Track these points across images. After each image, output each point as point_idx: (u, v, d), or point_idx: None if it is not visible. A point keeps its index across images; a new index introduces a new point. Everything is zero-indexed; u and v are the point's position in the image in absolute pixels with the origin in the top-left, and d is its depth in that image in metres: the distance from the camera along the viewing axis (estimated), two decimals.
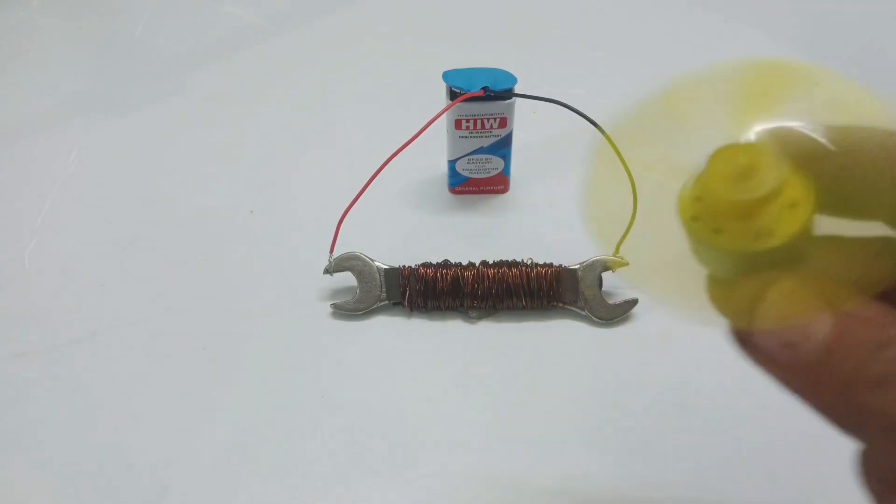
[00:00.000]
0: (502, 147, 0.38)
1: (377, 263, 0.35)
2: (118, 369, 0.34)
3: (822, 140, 0.17)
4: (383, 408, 0.32)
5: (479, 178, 0.40)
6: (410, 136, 0.33)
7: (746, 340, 0.18)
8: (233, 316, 0.36)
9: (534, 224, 0.40)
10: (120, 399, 0.32)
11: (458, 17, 0.57)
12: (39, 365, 0.34)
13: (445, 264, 0.35)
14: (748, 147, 0.17)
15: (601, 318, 0.34)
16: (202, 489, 0.29)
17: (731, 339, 0.18)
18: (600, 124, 0.34)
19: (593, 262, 0.34)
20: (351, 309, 0.35)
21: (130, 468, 0.30)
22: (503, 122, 0.37)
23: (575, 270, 0.34)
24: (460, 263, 0.35)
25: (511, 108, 0.36)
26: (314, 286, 0.36)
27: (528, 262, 0.35)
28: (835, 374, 0.16)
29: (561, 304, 0.35)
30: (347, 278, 0.35)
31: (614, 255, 0.34)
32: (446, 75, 0.35)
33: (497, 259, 0.35)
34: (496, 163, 0.39)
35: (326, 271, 0.35)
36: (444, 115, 0.35)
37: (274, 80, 0.52)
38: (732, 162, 0.17)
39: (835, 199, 0.17)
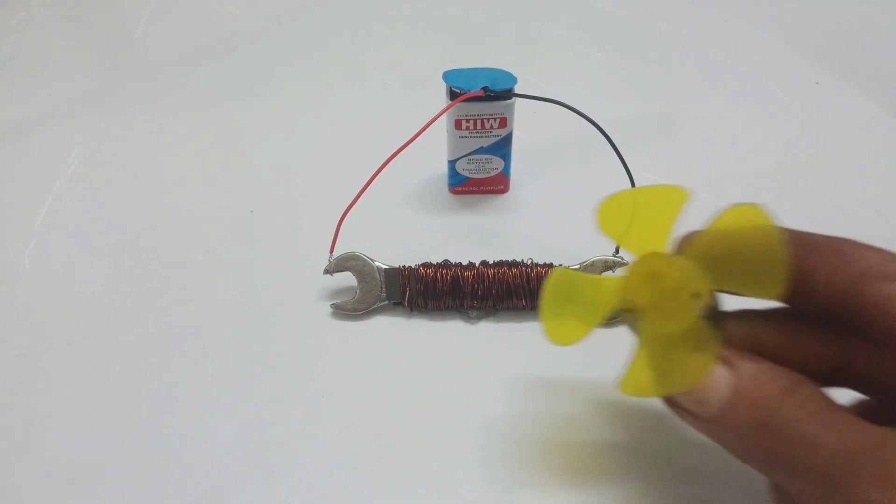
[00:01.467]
0: (502, 147, 0.38)
1: (377, 263, 0.35)
2: (118, 369, 0.34)
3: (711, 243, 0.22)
4: (383, 408, 0.32)
5: (479, 178, 0.40)
6: (410, 136, 0.33)
7: (671, 401, 0.23)
8: (233, 316, 0.36)
9: (534, 224, 0.40)
10: (120, 399, 0.32)
11: (458, 17, 0.57)
12: (39, 365, 0.34)
13: (445, 264, 0.35)
14: (652, 256, 0.22)
15: None
16: (202, 489, 0.29)
17: (662, 402, 0.23)
18: (600, 124, 0.34)
19: (593, 262, 0.34)
20: (351, 309, 0.35)
21: (130, 468, 0.30)
22: (503, 122, 0.37)
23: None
24: (460, 263, 0.35)
25: (511, 108, 0.36)
26: (314, 286, 0.36)
27: (528, 262, 0.35)
28: (738, 423, 0.21)
29: None
30: (347, 278, 0.35)
31: (614, 255, 0.35)
32: (446, 75, 0.35)
33: (497, 259, 0.35)
34: (496, 163, 0.39)
35: (326, 271, 0.35)
36: (444, 115, 0.35)
37: (274, 80, 0.52)
38: (642, 269, 0.22)
39: (726, 283, 0.22)
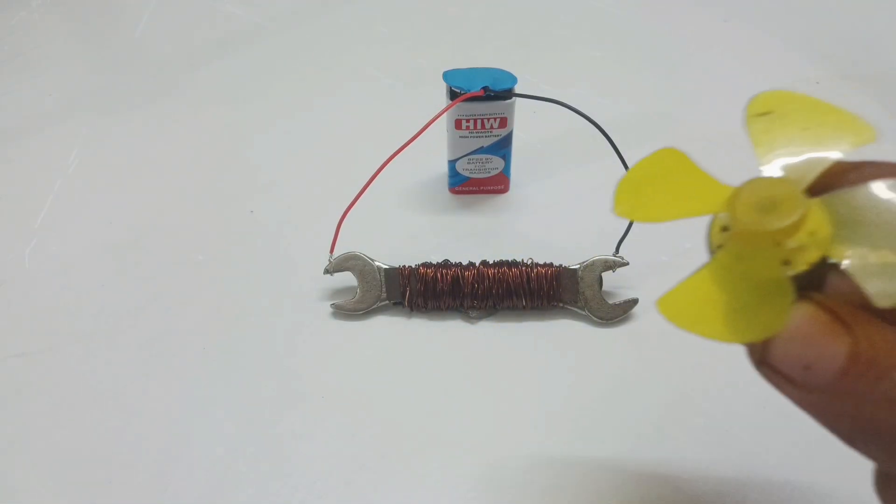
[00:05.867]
0: (502, 147, 0.38)
1: (377, 263, 0.35)
2: (118, 369, 0.34)
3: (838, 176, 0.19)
4: (383, 408, 0.32)
5: (479, 177, 0.40)
6: (410, 136, 0.33)
7: (763, 361, 0.19)
8: (233, 316, 0.36)
9: (534, 224, 0.40)
10: (120, 399, 0.32)
11: (458, 17, 0.57)
12: (39, 365, 0.34)
13: (445, 264, 0.35)
14: (772, 181, 0.18)
15: (601, 318, 0.34)
16: (202, 488, 0.29)
17: (749, 360, 0.19)
18: (600, 124, 0.34)
19: (593, 261, 0.34)
20: (351, 309, 0.35)
21: (130, 468, 0.30)
22: (503, 122, 0.37)
23: (575, 270, 0.34)
24: (460, 263, 0.35)
25: (511, 108, 0.36)
26: (314, 286, 0.36)
27: (528, 262, 0.35)
28: (850, 395, 0.17)
29: (561, 304, 0.35)
30: (347, 278, 0.35)
31: (614, 255, 0.35)
32: (446, 75, 0.35)
33: (497, 259, 0.35)
34: (496, 163, 0.39)
35: (326, 271, 0.35)
36: (445, 115, 0.35)
37: (274, 80, 0.52)
38: (758, 194, 0.18)
39: (852, 230, 0.18)
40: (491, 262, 0.35)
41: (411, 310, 0.35)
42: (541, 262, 0.35)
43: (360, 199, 0.33)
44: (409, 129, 0.33)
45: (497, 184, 0.41)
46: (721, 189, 0.19)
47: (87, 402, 0.32)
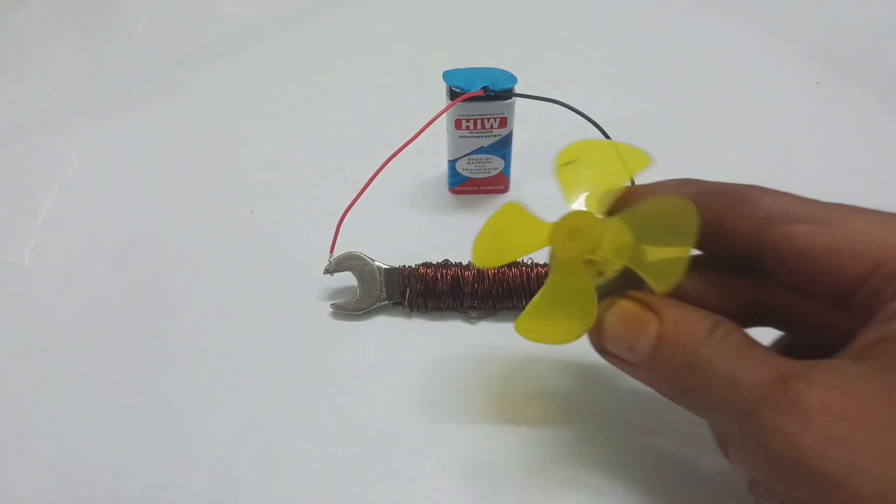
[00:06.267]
0: (502, 147, 0.38)
1: (377, 263, 0.35)
2: (118, 369, 0.34)
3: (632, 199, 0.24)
4: (383, 408, 0.32)
5: (479, 177, 0.40)
6: (410, 136, 0.33)
7: (601, 348, 0.24)
8: (233, 316, 0.36)
9: None
10: (120, 399, 0.32)
11: (458, 17, 0.57)
12: (39, 365, 0.34)
13: (445, 264, 0.35)
14: (577, 214, 0.24)
15: None
16: (202, 488, 0.29)
17: (594, 348, 0.24)
18: (600, 124, 0.34)
19: None
20: (351, 309, 0.35)
21: (130, 468, 0.30)
22: (503, 122, 0.37)
23: None
24: (460, 263, 0.35)
25: (511, 108, 0.36)
26: (314, 286, 0.36)
27: (528, 262, 0.35)
28: (663, 365, 0.22)
29: None
30: (347, 278, 0.35)
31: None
32: (446, 75, 0.35)
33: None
34: (496, 163, 0.39)
35: (326, 271, 0.35)
36: (444, 115, 0.35)
37: (274, 80, 0.52)
38: (567, 226, 0.23)
39: (647, 237, 0.23)
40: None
41: (411, 310, 0.35)
42: (541, 262, 0.35)
43: (360, 199, 0.33)
44: (409, 129, 0.33)
45: (497, 184, 0.41)
46: (549, 227, 0.24)
47: (87, 402, 0.32)
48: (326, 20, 0.57)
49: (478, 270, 0.34)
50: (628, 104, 0.48)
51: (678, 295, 0.23)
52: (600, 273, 0.23)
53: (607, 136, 0.34)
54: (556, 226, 0.24)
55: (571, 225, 0.23)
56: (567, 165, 0.25)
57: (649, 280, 0.23)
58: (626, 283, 0.23)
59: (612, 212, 0.24)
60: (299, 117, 0.48)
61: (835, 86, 0.49)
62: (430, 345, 0.34)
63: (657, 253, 0.24)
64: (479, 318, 0.35)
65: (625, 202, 0.24)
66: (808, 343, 0.24)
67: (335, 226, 0.34)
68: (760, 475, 0.20)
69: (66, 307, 0.36)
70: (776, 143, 0.44)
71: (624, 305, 0.23)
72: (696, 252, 0.24)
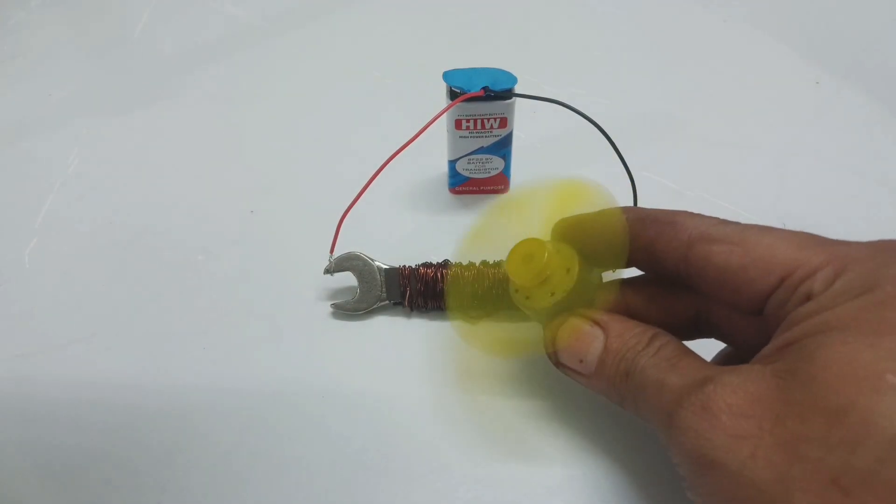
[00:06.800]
0: (502, 147, 0.38)
1: (377, 263, 0.35)
2: (118, 369, 0.34)
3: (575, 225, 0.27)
4: (383, 408, 0.32)
5: (479, 178, 0.40)
6: (410, 136, 0.33)
7: (556, 362, 0.27)
8: (233, 316, 0.36)
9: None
10: (120, 399, 0.32)
11: (458, 17, 0.57)
12: (39, 365, 0.34)
13: (445, 264, 0.35)
14: (529, 241, 0.27)
15: None
16: (202, 489, 0.29)
17: (550, 362, 0.27)
18: (600, 124, 0.34)
19: None
20: (351, 309, 0.35)
21: (130, 468, 0.30)
22: (503, 122, 0.37)
23: None
24: (461, 263, 0.35)
25: (511, 108, 0.36)
26: (314, 286, 0.36)
27: None
28: (609, 375, 0.25)
29: None
30: (347, 278, 0.35)
31: None
32: (446, 75, 0.35)
33: (497, 259, 0.35)
34: (496, 163, 0.39)
35: (326, 271, 0.35)
36: (444, 115, 0.35)
37: (274, 80, 0.52)
38: (519, 253, 0.26)
39: (593, 260, 0.26)
40: (491, 262, 0.35)
41: (411, 310, 0.35)
42: None
43: (360, 199, 0.33)
44: (409, 129, 0.33)
45: (497, 184, 0.41)
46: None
47: (88, 401, 0.32)
48: (326, 20, 0.57)
49: (477, 270, 0.34)
50: (628, 104, 0.48)
51: (624, 310, 0.27)
52: (552, 293, 0.26)
53: (607, 136, 0.34)
54: (512, 252, 0.26)
55: (524, 251, 0.26)
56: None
57: (598, 296, 0.26)
58: (576, 302, 0.26)
59: (562, 238, 0.27)
60: (299, 117, 0.48)
61: (835, 86, 0.49)
62: (430, 345, 0.34)
63: (599, 273, 0.28)
64: (479, 318, 0.35)
65: (570, 230, 0.27)
66: (743, 353, 0.25)
67: (335, 226, 0.34)
68: (684, 472, 0.21)
69: (66, 307, 0.36)
70: (776, 143, 0.44)
71: (573, 322, 0.26)
72: (637, 272, 0.27)
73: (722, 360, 0.28)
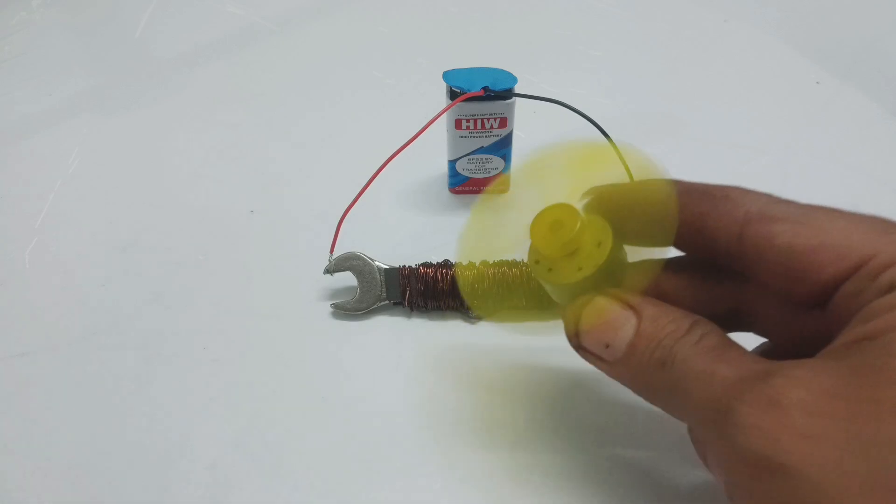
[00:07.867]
0: (502, 147, 0.38)
1: (377, 263, 0.35)
2: (118, 369, 0.34)
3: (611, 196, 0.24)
4: (383, 408, 0.32)
5: (479, 178, 0.40)
6: (410, 136, 0.33)
7: (578, 345, 0.24)
8: (233, 316, 0.36)
9: None
10: (120, 399, 0.32)
11: (458, 18, 0.57)
12: (39, 365, 0.34)
13: (445, 264, 0.35)
14: (557, 206, 0.23)
15: None
16: (203, 489, 0.29)
17: (570, 345, 0.24)
18: (600, 124, 0.34)
19: None
20: (351, 309, 0.35)
21: (130, 468, 0.30)
22: (503, 122, 0.37)
23: None
24: (460, 263, 0.35)
25: (511, 108, 0.36)
26: (314, 286, 0.36)
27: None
28: (638, 363, 0.22)
29: None
30: (347, 278, 0.35)
31: None
32: (446, 75, 0.35)
33: (497, 259, 0.35)
34: (496, 163, 0.39)
35: (326, 271, 0.35)
36: (444, 115, 0.35)
37: (274, 80, 0.52)
38: (546, 220, 0.23)
39: (627, 235, 0.23)
40: (491, 262, 0.35)
41: (411, 310, 0.35)
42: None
43: (360, 199, 0.33)
44: (409, 129, 0.33)
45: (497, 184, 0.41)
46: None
47: (87, 402, 0.32)
48: (326, 20, 0.57)
49: (477, 270, 0.34)
50: (628, 104, 0.48)
51: (656, 294, 0.23)
52: (579, 268, 0.23)
53: (607, 136, 0.34)
54: (538, 217, 0.23)
55: (553, 217, 0.23)
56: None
57: (628, 276, 0.23)
58: (604, 280, 0.23)
59: (592, 209, 0.24)
60: (299, 117, 0.48)
61: (835, 86, 0.49)
62: (430, 345, 0.34)
63: (636, 250, 0.24)
64: (479, 318, 0.35)
65: (605, 200, 0.24)
66: (784, 350, 0.23)
67: (335, 226, 0.34)
68: (736, 476, 0.19)
69: (66, 307, 0.36)
70: (776, 143, 0.44)
71: (601, 302, 0.23)
72: (676, 252, 0.24)
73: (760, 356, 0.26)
